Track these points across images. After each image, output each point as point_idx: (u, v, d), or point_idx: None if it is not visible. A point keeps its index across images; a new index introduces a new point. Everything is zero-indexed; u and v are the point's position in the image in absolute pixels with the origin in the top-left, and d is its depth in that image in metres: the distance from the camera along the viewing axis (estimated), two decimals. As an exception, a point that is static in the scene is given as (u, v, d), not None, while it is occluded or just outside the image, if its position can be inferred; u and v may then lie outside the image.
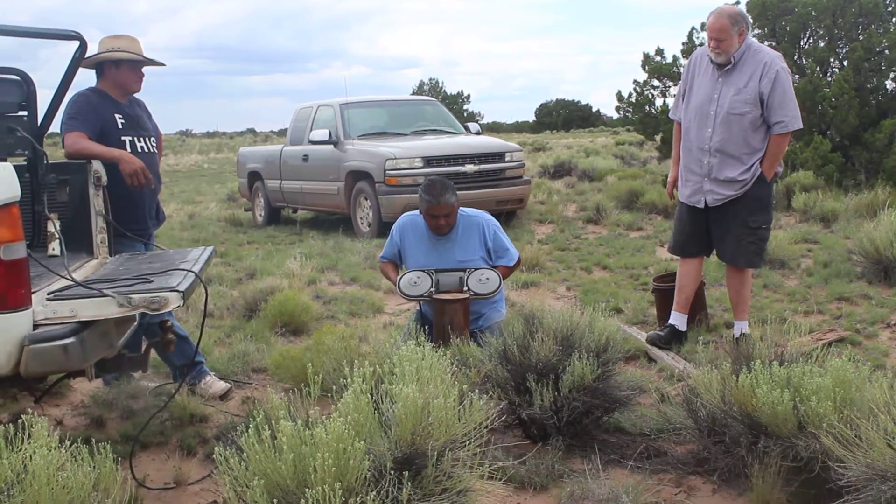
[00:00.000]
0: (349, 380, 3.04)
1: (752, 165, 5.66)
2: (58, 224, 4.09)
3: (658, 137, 20.44)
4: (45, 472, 2.60)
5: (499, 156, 12.91)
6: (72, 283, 3.53)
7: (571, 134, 62.00)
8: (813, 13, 16.27)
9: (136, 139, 5.16)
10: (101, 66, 5.12)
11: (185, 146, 51.57)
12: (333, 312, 7.54)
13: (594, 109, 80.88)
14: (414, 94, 54.31)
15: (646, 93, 20.50)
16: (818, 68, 16.10)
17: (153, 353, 4.92)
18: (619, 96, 21.39)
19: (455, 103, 62.83)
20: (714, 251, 6.09)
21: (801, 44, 16.96)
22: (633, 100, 20.83)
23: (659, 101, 20.25)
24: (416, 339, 3.52)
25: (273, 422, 2.87)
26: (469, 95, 69.37)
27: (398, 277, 5.46)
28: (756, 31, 16.75)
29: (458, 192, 5.54)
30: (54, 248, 4.09)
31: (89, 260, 4.46)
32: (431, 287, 5.27)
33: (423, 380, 3.15)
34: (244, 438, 2.85)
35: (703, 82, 5.80)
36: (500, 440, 4.16)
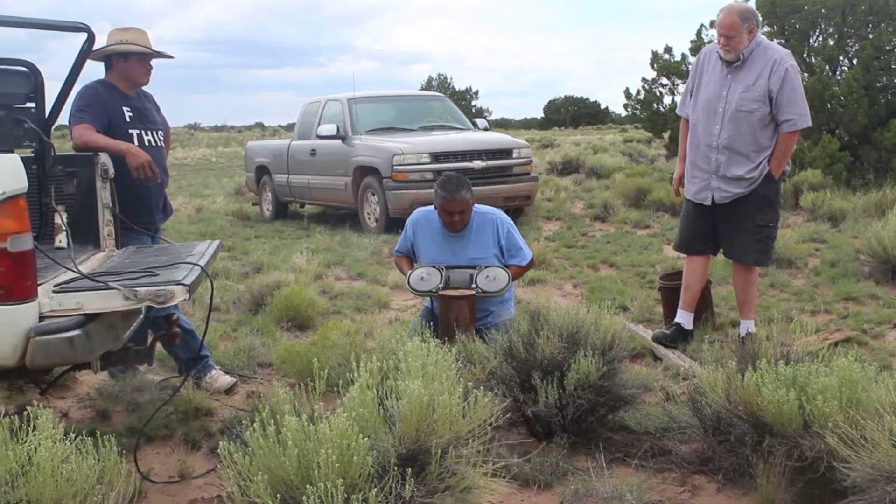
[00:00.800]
0: (356, 374, 3.04)
1: (760, 163, 5.64)
2: (65, 216, 4.09)
3: (666, 135, 20.48)
4: (50, 465, 2.60)
5: (506, 152, 12.89)
6: (78, 275, 3.53)
7: (580, 131, 62.01)
8: (822, 11, 16.25)
9: (143, 132, 5.16)
10: (110, 58, 5.12)
11: (193, 140, 51.72)
12: (339, 308, 7.55)
13: (602, 106, 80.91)
14: (422, 89, 54.23)
15: (654, 90, 20.54)
16: (827, 66, 16.07)
17: (159, 346, 4.92)
18: (628, 94, 21.43)
19: (463, 99, 62.82)
20: (721, 249, 6.07)
21: (811, 42, 16.94)
22: (642, 97, 20.87)
23: (667, 99, 20.31)
24: (422, 335, 3.51)
25: (278, 417, 2.87)
26: (477, 91, 69.44)
27: (409, 272, 5.46)
28: (766, 29, 16.72)
29: None
30: (61, 240, 4.09)
31: (96, 252, 4.46)
32: (440, 283, 5.27)
33: (429, 376, 3.15)
34: (249, 433, 2.85)
35: (712, 79, 5.78)
36: (504, 437, 4.15)
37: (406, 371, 3.14)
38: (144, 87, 5.33)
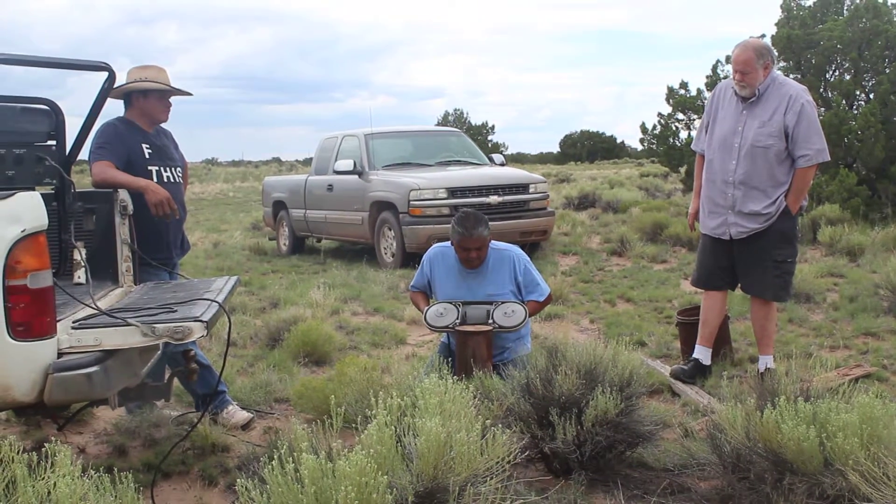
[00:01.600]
0: (374, 411, 3.03)
1: (777, 199, 5.63)
2: (84, 252, 4.12)
3: (682, 169, 20.48)
4: (69, 501, 2.60)
5: (523, 187, 12.90)
6: (96, 311, 3.55)
7: (596, 165, 62.06)
8: (839, 46, 16.26)
9: (162, 169, 5.20)
10: (129, 96, 5.18)
11: (210, 174, 51.98)
12: (356, 343, 7.55)
13: (619, 141, 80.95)
14: (438, 124, 54.51)
15: (670, 125, 20.57)
16: (844, 101, 16.07)
17: (176, 381, 4.93)
18: (644, 128, 21.47)
19: (480, 134, 62.95)
20: (738, 284, 6.05)
21: (827, 76, 16.95)
22: (658, 132, 20.90)
23: (683, 134, 20.33)
24: (439, 371, 3.50)
25: (295, 454, 2.86)
26: (494, 126, 69.47)
27: (426, 308, 5.46)
28: (781, 65, 16.76)
29: None
30: (80, 276, 4.12)
31: (114, 288, 4.48)
32: (457, 319, 5.27)
33: (446, 413, 3.14)
34: (267, 470, 2.85)
35: (728, 115, 5.79)
36: (522, 474, 4.13)
37: (423, 408, 3.14)
38: (163, 124, 5.38)
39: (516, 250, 5.66)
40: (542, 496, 3.93)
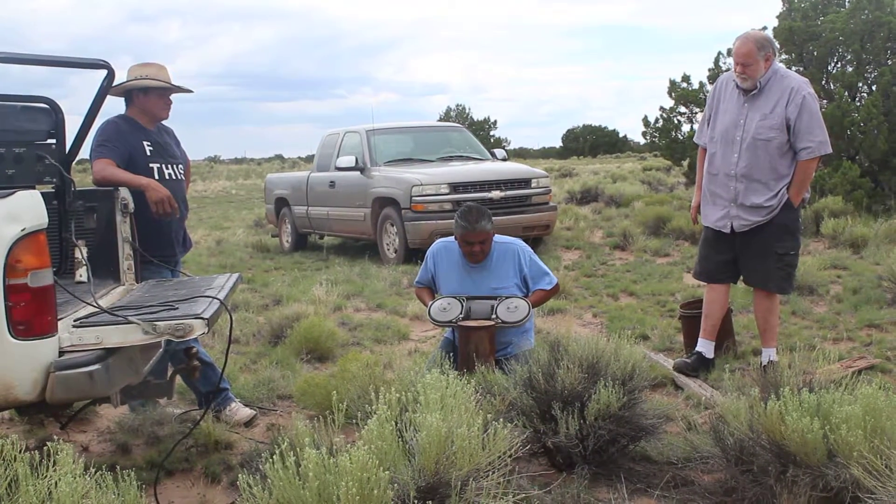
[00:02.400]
0: (374, 407, 3.03)
1: (779, 191, 5.62)
2: (85, 251, 4.12)
3: (685, 163, 20.43)
4: (71, 500, 2.60)
5: (525, 182, 12.90)
6: (98, 309, 3.55)
7: (598, 160, 61.91)
8: (841, 38, 16.22)
9: (163, 166, 5.20)
10: (130, 93, 5.17)
11: (213, 172, 52.00)
12: (359, 339, 7.55)
13: (621, 135, 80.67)
14: (441, 120, 54.46)
15: (672, 118, 20.52)
16: (846, 93, 16.01)
17: (178, 379, 4.93)
18: (646, 122, 21.40)
19: (482, 129, 62.80)
20: (741, 277, 6.04)
21: (829, 69, 16.90)
22: (660, 125, 20.84)
23: (685, 127, 20.28)
24: (441, 366, 3.50)
25: (297, 450, 2.86)
26: (496, 121, 69.18)
27: (430, 303, 5.46)
28: (783, 57, 16.72)
29: None
30: (81, 274, 4.11)
31: (116, 286, 4.48)
32: (460, 314, 5.27)
33: (448, 408, 3.14)
34: (268, 466, 2.85)
35: (729, 107, 5.77)
36: (524, 469, 4.13)
37: (425, 403, 3.13)
38: (164, 122, 5.37)
39: (519, 243, 5.65)
40: (545, 490, 3.93)
